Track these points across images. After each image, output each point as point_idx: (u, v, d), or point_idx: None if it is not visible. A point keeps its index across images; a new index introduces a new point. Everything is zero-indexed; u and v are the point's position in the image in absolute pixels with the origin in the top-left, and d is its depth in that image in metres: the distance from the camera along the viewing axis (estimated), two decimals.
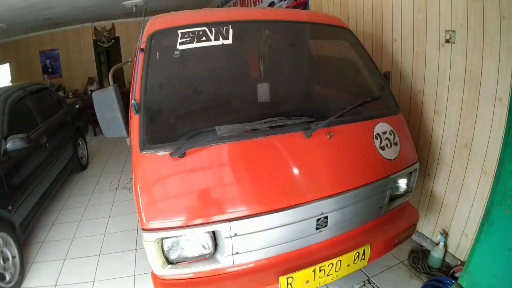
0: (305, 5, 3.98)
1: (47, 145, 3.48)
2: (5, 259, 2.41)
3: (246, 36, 2.01)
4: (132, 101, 1.58)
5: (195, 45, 1.75)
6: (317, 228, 1.68)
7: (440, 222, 2.53)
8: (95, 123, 6.37)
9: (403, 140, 2.04)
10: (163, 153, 1.53)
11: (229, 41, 1.80)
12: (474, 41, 2.09)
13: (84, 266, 2.68)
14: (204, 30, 1.79)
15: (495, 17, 1.93)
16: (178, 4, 7.65)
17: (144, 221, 1.46)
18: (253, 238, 1.55)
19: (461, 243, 2.36)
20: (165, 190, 1.53)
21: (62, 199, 3.89)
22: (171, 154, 1.50)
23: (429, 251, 2.54)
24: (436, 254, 2.43)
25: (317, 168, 1.70)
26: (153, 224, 1.46)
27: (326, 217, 1.68)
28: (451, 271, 2.33)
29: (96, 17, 8.25)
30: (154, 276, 1.63)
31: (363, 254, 1.77)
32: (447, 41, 2.25)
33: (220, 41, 1.79)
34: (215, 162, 1.59)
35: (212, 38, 1.78)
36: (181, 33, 1.76)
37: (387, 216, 2.02)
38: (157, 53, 1.77)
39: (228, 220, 1.49)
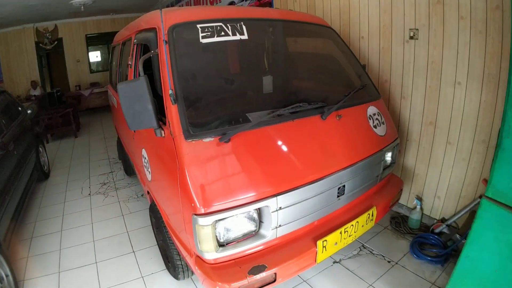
0: (269, 6, 4.19)
1: (15, 152, 3.10)
2: (1, 279, 2.14)
3: (257, 32, 2.10)
4: (170, 92, 1.57)
5: (216, 39, 1.80)
6: (337, 196, 1.88)
7: (413, 189, 2.91)
8: (49, 129, 5.83)
9: (387, 120, 2.35)
10: (208, 140, 1.55)
11: (245, 37, 1.90)
12: (435, 37, 2.48)
13: (83, 276, 2.47)
14: (221, 25, 1.85)
15: (454, 17, 2.33)
16: (125, 4, 7.33)
17: (198, 206, 1.45)
18: (293, 210, 1.67)
19: (434, 205, 2.76)
20: (215, 174, 1.53)
21: (33, 211, 3.49)
22: (220, 139, 1.54)
23: (407, 216, 2.92)
24: (415, 216, 2.81)
25: (334, 144, 1.90)
26: (208, 208, 1.46)
27: (344, 186, 1.89)
28: (430, 228, 2.72)
29: (39, 18, 7.56)
30: (200, 263, 1.61)
31: (372, 215, 2.05)
32: (411, 37, 2.64)
33: (238, 36, 1.88)
34: (257, 144, 1.66)
35: (230, 33, 1.85)
36: (200, 27, 1.79)
37: (381, 184, 2.31)
38: (181, 45, 1.76)
39: (275, 195, 1.58)
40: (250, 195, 1.54)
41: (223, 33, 1.84)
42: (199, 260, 1.62)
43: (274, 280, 1.61)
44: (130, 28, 2.93)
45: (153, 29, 1.89)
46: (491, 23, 2.19)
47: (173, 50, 1.70)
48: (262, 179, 1.60)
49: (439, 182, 2.70)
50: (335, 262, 2.50)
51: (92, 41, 8.75)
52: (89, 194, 3.83)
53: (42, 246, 2.87)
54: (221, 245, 1.57)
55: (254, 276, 1.53)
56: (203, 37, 1.78)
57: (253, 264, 1.59)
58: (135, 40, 2.31)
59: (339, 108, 1.97)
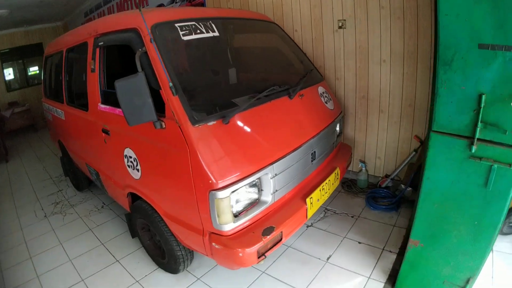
0: (202, 6, 4.30)
1: None
2: None
3: (223, 30, 2.20)
4: (170, 84, 1.63)
5: (195, 36, 1.91)
6: (311, 161, 2.17)
7: (356, 155, 3.33)
8: None
9: (332, 97, 2.70)
10: (212, 123, 1.68)
11: (217, 34, 2.04)
12: (361, 25, 2.89)
13: None
14: (195, 24, 1.96)
15: (376, 7, 2.77)
16: (41, 14, 6.65)
17: (215, 181, 1.57)
18: (284, 175, 1.91)
19: (376, 164, 3.23)
20: (223, 152, 1.65)
21: None
22: (223, 121, 1.70)
23: (355, 179, 3.36)
24: (362, 177, 3.26)
25: (303, 119, 2.18)
26: (223, 182, 1.59)
27: (314, 152, 2.19)
28: (377, 184, 3.19)
29: None
30: (217, 238, 1.70)
31: (337, 174, 2.40)
32: (340, 27, 3.04)
33: (211, 34, 2.00)
34: (249, 123, 1.84)
35: (204, 30, 1.97)
36: (178, 26, 1.88)
37: (336, 150, 2.67)
38: (166, 42, 1.80)
39: (272, 163, 1.79)
40: (253, 166, 1.72)
41: (198, 31, 1.95)
42: (215, 235, 1.72)
43: (281, 239, 1.81)
44: (79, 33, 2.77)
45: (132, 29, 1.88)
46: (407, 10, 2.65)
47: (162, 47, 1.74)
48: (260, 151, 1.79)
49: (377, 145, 3.17)
50: (308, 226, 2.77)
51: (6, 57, 7.63)
52: (45, 216, 3.46)
53: (17, 277, 2.53)
54: (235, 216, 1.70)
55: (267, 237, 1.70)
56: (184, 35, 1.87)
57: (263, 227, 1.75)
58: (101, 43, 2.25)
59: (300, 89, 2.25)
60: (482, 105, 1.37)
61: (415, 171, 2.87)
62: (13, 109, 6.84)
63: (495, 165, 1.40)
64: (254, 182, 1.76)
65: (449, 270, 1.72)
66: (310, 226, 2.78)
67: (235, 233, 1.72)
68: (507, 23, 1.26)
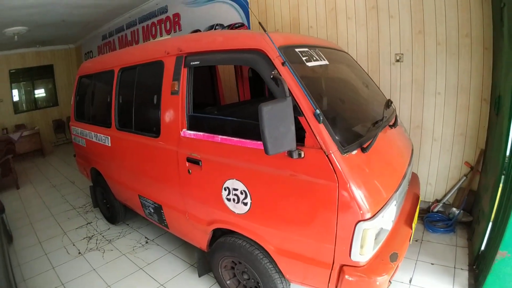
0: None
1: None
2: None
3: (331, 59, 1.98)
4: (316, 112, 1.36)
5: (313, 63, 1.68)
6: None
7: None
8: None
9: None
10: (355, 152, 1.44)
11: (326, 62, 1.80)
12: (417, 60, 2.77)
13: None
14: (309, 51, 1.72)
15: (433, 43, 2.67)
16: (57, 34, 6.07)
17: (366, 211, 1.36)
18: (398, 203, 1.70)
19: (427, 190, 3.01)
20: (368, 181, 1.42)
21: (19, 284, 2.32)
22: (363, 150, 1.46)
23: None
24: None
25: (401, 145, 2.04)
26: (373, 212, 1.38)
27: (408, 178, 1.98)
28: (429, 209, 2.97)
29: None
30: (351, 270, 1.44)
31: (419, 201, 2.18)
32: (397, 60, 2.91)
33: (323, 62, 1.77)
34: (378, 151, 1.61)
35: (317, 58, 1.73)
36: (299, 51, 1.63)
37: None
38: (295, 68, 1.49)
39: (396, 190, 1.59)
40: (388, 194, 1.52)
41: (314, 58, 1.71)
42: (348, 267, 1.45)
43: (398, 264, 1.59)
44: (145, 52, 2.37)
45: (255, 50, 1.55)
46: (462, 47, 2.58)
47: (295, 71, 1.47)
48: (388, 179, 1.61)
49: (429, 172, 2.97)
50: None
51: (16, 77, 6.69)
52: (79, 253, 2.80)
53: None
54: None
55: (395, 262, 1.53)
56: (306, 61, 1.63)
57: (387, 254, 1.56)
58: (195, 62, 1.84)
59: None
60: None
61: (466, 194, 2.79)
62: (21, 132, 5.93)
63: None
64: (385, 211, 1.51)
65: None
66: None
67: (367, 262, 1.48)
68: None
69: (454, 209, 2.81)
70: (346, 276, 1.45)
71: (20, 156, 6.13)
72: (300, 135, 1.42)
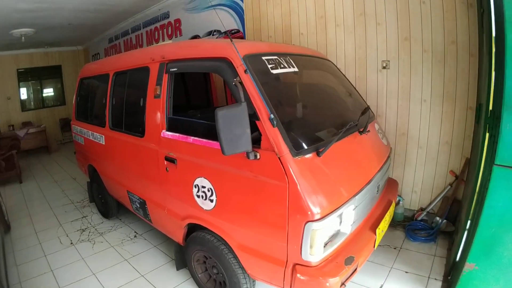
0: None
1: None
2: None
3: (300, 66, 2.12)
4: (271, 116, 1.52)
5: (279, 70, 1.84)
6: (377, 192, 2.08)
7: None
8: None
9: (385, 135, 2.65)
10: (309, 155, 1.57)
11: (296, 69, 1.97)
12: (404, 67, 2.88)
13: None
14: (277, 58, 1.88)
15: (419, 50, 2.77)
16: (65, 36, 6.47)
17: (314, 212, 1.47)
18: (361, 206, 1.81)
19: (412, 198, 3.10)
20: (319, 184, 1.55)
21: (11, 268, 2.60)
22: (318, 154, 1.59)
23: None
24: (400, 211, 3.09)
25: (370, 153, 2.12)
26: (321, 213, 1.49)
27: (379, 185, 2.10)
28: (413, 217, 3.05)
29: None
30: (303, 269, 1.56)
31: (393, 206, 2.31)
32: (384, 67, 3.04)
33: (292, 69, 1.93)
34: (335, 156, 1.74)
35: (286, 65, 1.89)
36: (265, 59, 1.80)
37: (388, 183, 2.57)
38: (257, 75, 1.67)
39: (355, 195, 1.71)
40: (342, 198, 1.64)
41: (282, 65, 1.87)
42: (300, 267, 1.57)
43: (356, 268, 1.71)
44: (135, 58, 2.61)
45: (222, 59, 1.74)
46: (448, 55, 2.67)
47: (257, 79, 1.64)
48: (346, 183, 1.72)
49: (414, 180, 3.06)
50: None
51: (24, 76, 7.22)
52: (71, 243, 3.07)
53: None
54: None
55: (349, 266, 1.62)
56: (271, 68, 1.79)
57: (343, 257, 1.66)
58: (173, 69, 2.07)
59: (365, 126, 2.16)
60: None
61: (450, 204, 2.84)
62: (28, 129, 6.37)
63: None
64: (341, 214, 1.65)
65: None
66: None
67: (320, 263, 1.60)
68: None
69: (437, 218, 2.88)
70: (298, 275, 1.58)
71: (26, 152, 6.57)
72: (259, 138, 1.60)
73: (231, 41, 1.69)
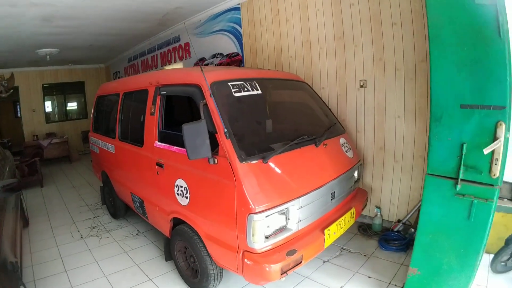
0: (239, 63, 5.13)
1: None
2: None
3: (264, 88, 2.84)
4: (225, 130, 2.22)
5: (242, 93, 2.57)
6: (331, 199, 2.67)
7: (373, 201, 3.77)
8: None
9: (352, 147, 3.24)
10: (254, 162, 2.24)
11: (259, 92, 2.70)
12: (379, 85, 3.51)
13: None
14: (243, 83, 2.62)
15: (392, 69, 3.39)
16: (87, 55, 7.80)
17: (254, 206, 2.08)
18: (308, 208, 2.39)
19: (391, 210, 3.65)
20: (261, 184, 2.18)
21: (25, 256, 3.53)
22: (263, 161, 2.26)
23: (370, 224, 3.76)
24: (377, 221, 3.66)
25: (326, 163, 2.72)
26: (260, 208, 2.09)
27: (334, 192, 2.68)
28: (390, 228, 3.59)
29: None
30: (249, 255, 2.15)
31: (353, 213, 2.90)
32: (361, 86, 3.69)
33: (255, 92, 2.66)
34: (283, 163, 2.38)
35: (250, 89, 2.63)
36: (231, 84, 2.55)
37: (354, 193, 3.17)
38: (222, 97, 2.41)
39: (299, 197, 2.31)
40: (284, 198, 2.23)
41: (246, 89, 2.60)
42: (247, 253, 2.17)
43: (301, 261, 2.26)
44: (139, 81, 3.54)
45: (195, 85, 2.53)
46: (419, 72, 3.23)
47: (219, 101, 2.37)
48: (290, 187, 2.32)
49: (392, 192, 3.62)
50: (325, 261, 3.17)
51: (49, 91, 8.79)
52: (81, 237, 4.00)
53: (51, 286, 2.99)
54: (266, 237, 2.17)
55: (290, 257, 2.16)
56: (235, 92, 2.53)
57: (287, 249, 2.21)
58: (163, 92, 2.93)
59: (325, 139, 2.83)
60: (464, 152, 1.88)
61: None
62: (51, 139, 7.73)
63: (475, 201, 1.88)
64: (283, 211, 2.25)
65: None
66: (326, 261, 3.18)
67: (264, 252, 2.18)
68: (482, 87, 1.79)
69: (412, 229, 3.38)
70: (245, 260, 2.15)
71: (48, 161, 7.95)
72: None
73: (201, 70, 2.46)
